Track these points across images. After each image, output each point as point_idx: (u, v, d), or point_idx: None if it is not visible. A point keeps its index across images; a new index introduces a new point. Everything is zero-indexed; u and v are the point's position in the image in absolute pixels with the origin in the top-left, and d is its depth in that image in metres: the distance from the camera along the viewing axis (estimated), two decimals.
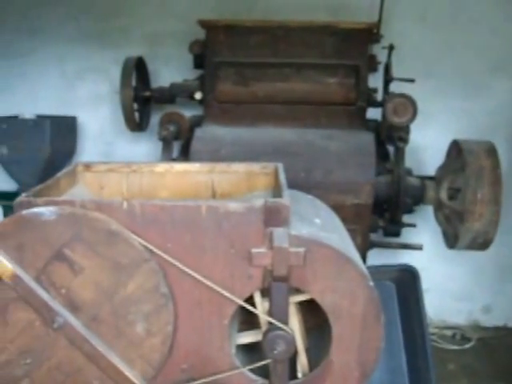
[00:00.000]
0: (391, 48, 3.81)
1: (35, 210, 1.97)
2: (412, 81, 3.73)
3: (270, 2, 4.29)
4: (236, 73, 3.79)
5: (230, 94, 3.78)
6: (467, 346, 4.45)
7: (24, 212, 1.97)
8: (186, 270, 1.98)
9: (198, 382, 2.09)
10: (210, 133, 3.63)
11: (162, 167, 2.60)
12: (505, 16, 4.27)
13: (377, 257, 3.76)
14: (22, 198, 2.03)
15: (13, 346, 2.03)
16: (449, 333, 4.61)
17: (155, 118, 3.97)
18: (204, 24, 3.74)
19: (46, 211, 1.96)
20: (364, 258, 3.53)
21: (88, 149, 4.71)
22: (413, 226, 3.83)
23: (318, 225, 2.18)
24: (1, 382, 2.07)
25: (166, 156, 3.59)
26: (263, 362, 2.08)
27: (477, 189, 3.32)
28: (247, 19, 3.80)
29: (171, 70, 4.37)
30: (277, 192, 2.28)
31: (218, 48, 3.76)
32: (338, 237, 2.17)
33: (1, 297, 2.00)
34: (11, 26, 4.69)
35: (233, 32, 3.74)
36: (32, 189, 2.14)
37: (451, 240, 3.58)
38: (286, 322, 2.04)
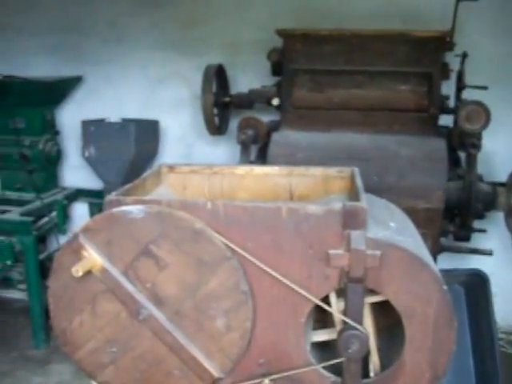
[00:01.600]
0: (464, 56, 3.76)
1: (124, 208, 2.02)
2: (485, 88, 3.66)
3: (343, 10, 4.29)
4: (311, 80, 3.80)
5: (305, 100, 3.79)
6: None
7: (114, 210, 2.02)
8: (266, 268, 2.00)
9: (274, 376, 2.10)
10: (287, 137, 3.65)
11: (243, 170, 2.62)
12: None
13: (446, 261, 3.71)
14: (112, 196, 2.08)
15: (101, 335, 2.09)
16: None
17: (234, 123, 4.01)
18: (281, 33, 3.76)
19: (134, 209, 2.00)
20: (434, 262, 3.48)
21: (169, 151, 4.80)
22: (483, 231, 3.75)
23: (393, 228, 2.16)
24: (89, 368, 2.13)
25: (244, 159, 3.62)
26: (337, 360, 2.07)
27: None
28: (322, 28, 3.80)
29: (249, 76, 4.41)
30: (353, 195, 2.27)
31: (295, 56, 3.77)
32: (413, 240, 2.15)
33: (91, 289, 2.05)
34: (99, 35, 4.82)
35: (309, 40, 3.74)
36: (120, 188, 2.19)
37: None
38: (360, 322, 2.03)
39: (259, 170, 2.62)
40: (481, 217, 3.57)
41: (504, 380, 3.00)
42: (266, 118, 4.00)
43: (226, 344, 2.06)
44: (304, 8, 4.36)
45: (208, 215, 2.01)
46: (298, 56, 3.78)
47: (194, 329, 2.05)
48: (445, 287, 2.01)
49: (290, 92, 3.79)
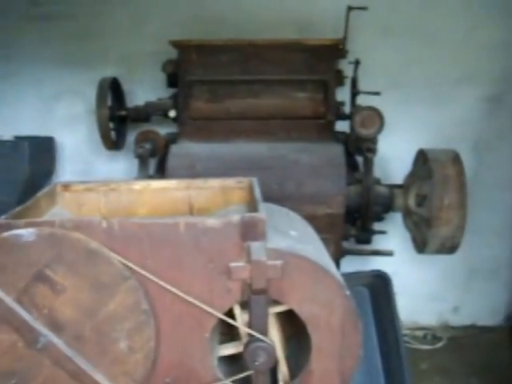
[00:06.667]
0: (357, 63, 3.81)
1: (15, 231, 1.91)
2: (378, 93, 3.72)
3: (239, 20, 4.26)
4: (208, 90, 3.75)
5: (203, 111, 3.74)
6: (438, 345, 4.46)
7: (4, 234, 1.91)
8: (166, 285, 1.94)
9: None
10: (185, 149, 3.59)
11: (140, 185, 2.55)
12: (468, 28, 4.28)
13: (350, 264, 3.73)
14: (2, 220, 1.97)
15: None
16: (420, 333, 4.61)
17: (132, 137, 3.92)
18: (176, 44, 3.70)
19: (25, 233, 1.90)
20: (337, 266, 3.50)
21: (67, 168, 4.63)
22: (383, 232, 3.81)
23: (293, 237, 2.14)
24: None
25: (143, 173, 3.53)
26: (245, 374, 2.04)
27: (443, 195, 3.32)
28: (217, 38, 3.76)
29: (146, 89, 4.31)
30: (252, 206, 2.24)
31: (190, 67, 3.71)
32: (314, 248, 2.14)
33: None
34: None
35: (204, 51, 3.70)
36: (11, 211, 2.08)
37: (420, 245, 3.57)
38: (265, 334, 2.00)
39: (157, 184, 2.56)
40: (380, 219, 3.62)
41: (410, 373, 3.06)
42: (164, 130, 3.93)
43: (130, 366, 1.98)
44: (200, 19, 4.31)
45: (103, 234, 1.93)
46: (193, 67, 3.72)
47: (96, 353, 1.97)
48: (348, 293, 2.01)
49: (187, 103, 3.73)
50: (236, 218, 1.92)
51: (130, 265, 1.92)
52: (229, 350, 2.16)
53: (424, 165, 3.48)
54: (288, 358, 2.16)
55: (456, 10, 4.27)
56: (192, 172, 3.33)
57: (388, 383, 3.13)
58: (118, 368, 1.98)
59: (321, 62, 3.66)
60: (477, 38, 4.30)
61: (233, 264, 1.93)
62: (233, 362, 2.18)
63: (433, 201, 3.33)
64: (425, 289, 4.61)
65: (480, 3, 4.27)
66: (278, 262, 1.92)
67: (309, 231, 2.42)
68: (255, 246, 1.92)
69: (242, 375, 2.05)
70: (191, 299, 1.94)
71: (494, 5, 4.25)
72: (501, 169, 4.49)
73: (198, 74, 3.73)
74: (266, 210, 2.02)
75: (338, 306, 2.00)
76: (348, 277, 3.00)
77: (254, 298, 1.96)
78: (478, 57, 4.33)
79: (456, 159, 3.44)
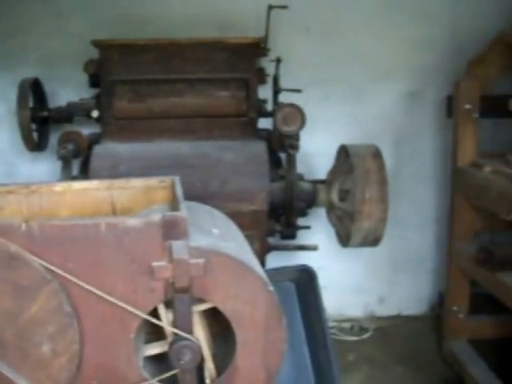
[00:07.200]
0: (278, 61, 3.84)
1: None
2: (299, 91, 3.76)
3: (160, 22, 4.23)
4: (131, 90, 3.71)
5: (126, 111, 3.71)
6: (365, 336, 4.54)
7: None
8: (88, 287, 1.92)
9: None
10: (108, 149, 3.55)
11: (61, 186, 2.51)
12: (386, 25, 4.38)
13: (276, 259, 3.76)
14: None
15: None
16: (347, 325, 4.69)
17: (55, 138, 3.84)
18: (97, 44, 3.65)
19: None
20: (263, 262, 3.53)
21: None
22: (307, 228, 3.86)
23: (216, 235, 2.15)
24: None
25: (66, 174, 3.46)
26: (171, 373, 2.04)
27: (364, 189, 3.38)
28: (139, 38, 3.73)
29: (69, 90, 4.23)
30: (174, 205, 2.24)
31: (112, 67, 3.67)
32: (236, 245, 2.16)
33: None
34: None
35: (126, 51, 3.66)
36: None
37: (344, 239, 3.63)
38: (190, 332, 2.01)
39: (79, 185, 2.51)
40: (304, 214, 3.65)
41: (338, 365, 3.11)
42: (87, 131, 3.87)
43: (54, 370, 1.96)
44: (123, 18, 4.25)
45: (23, 237, 1.89)
46: (115, 67, 3.68)
47: (19, 358, 1.93)
48: (271, 288, 2.03)
49: (110, 103, 3.68)
50: (157, 217, 1.92)
51: (52, 267, 1.89)
52: (154, 349, 2.15)
53: (346, 160, 3.54)
54: (215, 356, 2.17)
55: (374, 9, 4.37)
56: (116, 172, 3.30)
57: (316, 375, 3.17)
58: (42, 372, 1.95)
59: (242, 61, 3.68)
60: (395, 36, 4.40)
61: (155, 263, 1.92)
62: (161, 362, 2.18)
63: (355, 195, 3.40)
64: (350, 281, 4.70)
65: (397, 2, 4.37)
66: (201, 260, 1.92)
67: (232, 229, 2.44)
68: (177, 244, 1.91)
69: (167, 374, 2.05)
70: (114, 300, 1.93)
71: (410, 4, 4.36)
72: (421, 162, 4.61)
73: (121, 74, 3.69)
74: (188, 209, 2.02)
75: (261, 302, 2.02)
76: (274, 272, 3.07)
77: (177, 296, 1.96)
78: (396, 54, 4.44)
79: (376, 154, 3.52)
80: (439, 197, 4.62)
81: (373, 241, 3.55)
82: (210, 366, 2.15)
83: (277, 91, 3.80)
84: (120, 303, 1.94)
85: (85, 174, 3.51)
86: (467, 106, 3.74)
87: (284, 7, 3.77)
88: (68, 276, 1.91)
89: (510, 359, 3.16)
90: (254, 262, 2.12)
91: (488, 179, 3.42)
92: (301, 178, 3.64)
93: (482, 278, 3.59)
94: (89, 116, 3.75)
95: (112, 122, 3.70)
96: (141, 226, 1.92)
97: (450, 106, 4.08)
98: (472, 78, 3.78)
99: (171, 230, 1.92)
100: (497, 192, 3.28)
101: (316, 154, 4.27)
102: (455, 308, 3.99)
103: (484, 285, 3.59)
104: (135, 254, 1.93)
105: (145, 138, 3.61)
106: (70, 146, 3.52)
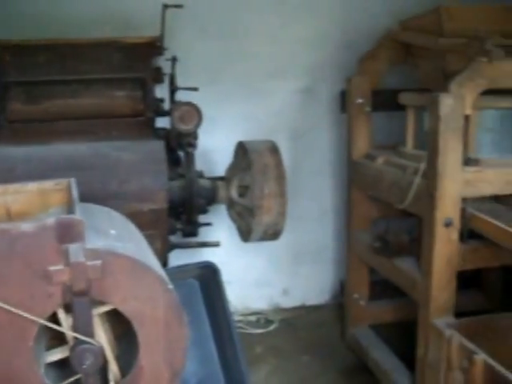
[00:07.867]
0: (174, 59, 3.82)
1: None
2: (195, 89, 3.76)
3: (55, 22, 4.10)
4: (25, 92, 3.61)
5: (20, 113, 3.60)
6: (271, 328, 4.60)
7: None
8: None
9: None
10: (3, 153, 3.42)
11: None
12: (280, 24, 4.45)
13: (179, 257, 3.77)
14: None
15: None
16: (253, 318, 4.74)
17: None
18: None
19: None
20: (165, 261, 3.52)
21: None
22: (209, 224, 3.86)
23: (113, 236, 2.13)
24: None
25: None
26: (74, 378, 2.01)
27: (263, 184, 3.43)
28: (33, 38, 3.63)
29: None
30: (70, 207, 2.20)
31: (5, 68, 3.56)
32: (134, 245, 2.14)
33: None
34: None
35: (20, 52, 3.56)
36: None
37: (245, 234, 3.66)
38: (91, 335, 1.98)
39: None
40: (205, 211, 3.65)
41: (245, 358, 3.13)
42: None
43: None
44: (15, 18, 4.12)
45: None
46: (8, 68, 3.56)
47: None
48: (170, 287, 2.03)
49: (4, 106, 3.56)
50: (51, 220, 1.88)
51: None
52: (56, 355, 2.11)
53: (244, 156, 3.57)
54: (119, 357, 2.15)
55: (268, 9, 4.42)
56: (11, 176, 3.18)
57: (224, 369, 3.18)
58: None
59: (138, 60, 3.65)
60: (288, 35, 4.48)
61: (51, 268, 1.89)
62: (65, 367, 2.14)
63: (254, 190, 3.43)
64: (254, 275, 4.75)
65: (290, 3, 4.45)
66: (98, 262, 1.90)
67: (130, 229, 2.42)
68: (73, 247, 1.88)
69: (70, 380, 2.02)
70: (9, 307, 1.88)
71: (303, 5, 4.45)
72: (318, 156, 4.71)
73: (14, 76, 3.58)
74: (84, 211, 2.00)
75: (160, 301, 2.02)
76: (177, 270, 3.07)
77: (75, 300, 1.93)
78: (290, 52, 4.51)
79: (273, 149, 3.57)
80: (337, 189, 4.73)
81: (273, 234, 3.60)
82: (113, 368, 2.13)
83: (173, 90, 3.78)
84: (15, 310, 1.89)
85: None
86: (359, 101, 3.85)
87: (179, 6, 3.75)
88: None
89: (410, 341, 3.27)
90: (152, 261, 2.11)
91: (381, 170, 3.53)
92: (200, 175, 3.65)
93: (379, 266, 3.70)
94: None
95: (6, 124, 3.59)
96: (34, 230, 1.88)
97: (344, 101, 4.19)
98: (363, 74, 3.89)
99: (66, 232, 1.89)
100: (389, 182, 3.39)
101: (215, 150, 4.29)
102: (356, 295, 4.10)
103: (382, 272, 3.70)
104: (30, 260, 1.89)
105: (41, 140, 3.50)
106: None
